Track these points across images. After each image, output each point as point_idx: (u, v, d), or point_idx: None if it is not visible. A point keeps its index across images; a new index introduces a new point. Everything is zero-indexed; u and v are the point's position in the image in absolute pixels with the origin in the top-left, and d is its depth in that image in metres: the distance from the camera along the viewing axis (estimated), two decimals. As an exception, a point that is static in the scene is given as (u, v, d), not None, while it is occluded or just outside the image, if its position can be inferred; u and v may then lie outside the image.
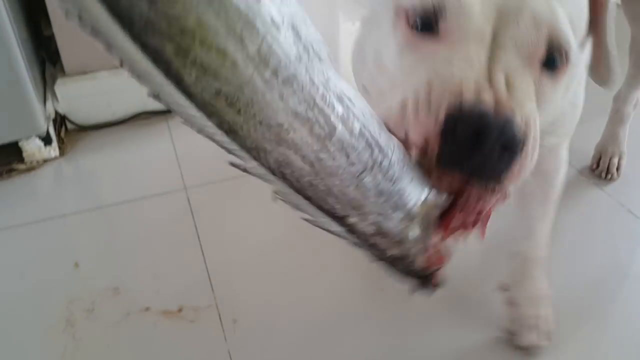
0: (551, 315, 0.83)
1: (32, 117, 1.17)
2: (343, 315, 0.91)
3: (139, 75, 0.33)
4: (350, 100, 0.39)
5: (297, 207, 0.41)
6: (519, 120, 0.44)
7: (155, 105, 1.35)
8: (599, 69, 0.56)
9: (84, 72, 1.29)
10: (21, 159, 1.22)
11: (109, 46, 0.32)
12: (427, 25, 0.47)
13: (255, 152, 0.36)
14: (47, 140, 1.22)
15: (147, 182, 1.19)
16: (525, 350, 0.82)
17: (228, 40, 0.32)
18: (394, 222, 0.43)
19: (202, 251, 1.02)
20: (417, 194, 0.44)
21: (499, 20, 0.46)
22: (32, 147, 1.21)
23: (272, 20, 0.34)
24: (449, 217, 0.47)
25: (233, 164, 0.37)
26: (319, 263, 0.99)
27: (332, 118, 0.38)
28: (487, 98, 0.44)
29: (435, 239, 0.47)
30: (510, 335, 0.83)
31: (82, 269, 1.00)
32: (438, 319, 0.89)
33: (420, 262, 0.47)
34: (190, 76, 0.32)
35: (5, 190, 1.18)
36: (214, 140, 0.36)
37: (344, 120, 0.38)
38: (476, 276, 0.96)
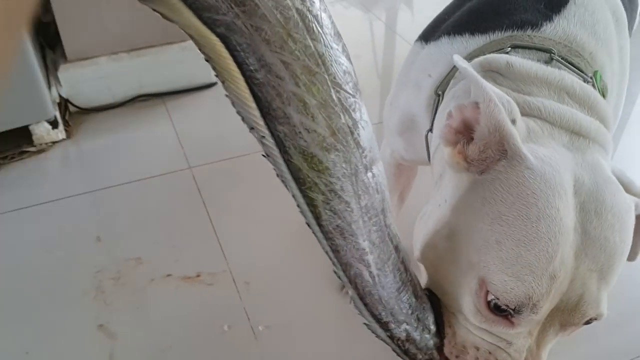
0: None
1: (41, 102, 1.25)
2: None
3: (301, 209, 0.50)
4: (399, 238, 0.56)
5: (360, 312, 0.56)
6: None
7: (151, 89, 1.45)
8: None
9: (85, 58, 1.38)
10: (31, 142, 1.30)
11: (292, 193, 0.50)
12: (502, 310, 0.54)
13: (344, 266, 0.53)
14: (54, 123, 1.31)
15: (152, 162, 1.29)
16: None
17: (353, 198, 0.50)
18: (418, 331, 0.58)
19: (212, 224, 1.15)
20: (430, 311, 0.60)
21: (558, 306, 0.53)
22: (41, 131, 1.29)
23: (376, 189, 0.52)
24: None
25: (334, 271, 0.53)
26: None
27: (391, 247, 0.54)
28: None
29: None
30: None
31: (104, 243, 1.11)
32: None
33: None
34: (325, 215, 0.50)
35: (19, 171, 1.27)
36: (327, 254, 0.52)
37: (397, 250, 0.55)
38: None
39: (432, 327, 0.60)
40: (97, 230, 1.14)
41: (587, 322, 0.56)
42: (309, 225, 0.51)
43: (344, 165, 0.49)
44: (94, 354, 0.93)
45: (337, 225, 0.50)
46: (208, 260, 1.08)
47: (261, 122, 0.46)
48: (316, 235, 0.52)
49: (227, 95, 0.46)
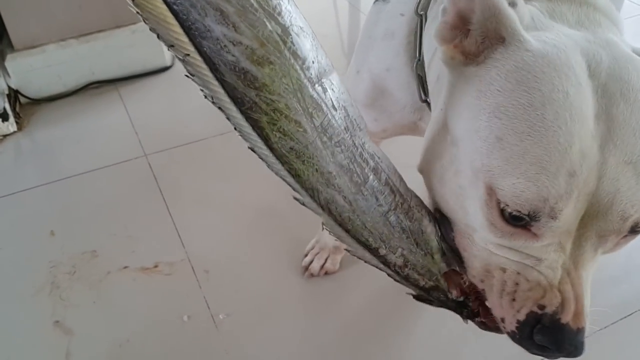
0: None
1: (-12, 95, 1.21)
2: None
3: (242, 134, 0.47)
4: (379, 158, 0.52)
5: (340, 238, 0.52)
6: (587, 325, 0.49)
7: (104, 75, 1.41)
8: None
9: (32, 46, 1.33)
10: (-21, 136, 1.26)
11: (228, 117, 0.46)
12: (518, 219, 0.47)
13: (311, 191, 0.49)
14: (4, 116, 1.26)
15: (107, 151, 1.26)
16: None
17: (303, 116, 0.46)
18: (418, 256, 0.53)
19: (169, 212, 1.12)
20: (434, 233, 0.54)
21: (588, 212, 0.46)
22: (-10, 124, 1.25)
23: (332, 105, 0.48)
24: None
25: (295, 198, 0.49)
26: (277, 214, 1.11)
27: (366, 170, 0.50)
28: (568, 308, 0.48)
29: (455, 276, 0.55)
30: None
31: (58, 237, 1.08)
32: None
33: (453, 292, 0.55)
34: (275, 137, 0.46)
35: (-32, 167, 1.23)
36: (284, 179, 0.49)
37: (375, 172, 0.51)
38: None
39: (436, 251, 0.55)
40: (51, 224, 1.10)
41: (636, 231, 0.48)
42: (253, 150, 0.47)
43: (283, 80, 0.45)
44: (51, 351, 0.91)
45: (291, 148, 0.47)
46: (166, 250, 1.05)
47: (184, 38, 0.43)
48: (266, 160, 0.48)
49: (138, 13, 0.42)
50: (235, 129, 0.46)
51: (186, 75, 0.45)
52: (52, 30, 1.33)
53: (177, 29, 0.43)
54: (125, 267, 1.02)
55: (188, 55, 0.44)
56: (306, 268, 1.01)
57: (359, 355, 0.93)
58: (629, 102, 0.46)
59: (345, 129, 0.49)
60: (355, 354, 0.93)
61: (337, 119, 0.48)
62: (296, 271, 1.02)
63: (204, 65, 0.44)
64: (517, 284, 0.50)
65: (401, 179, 0.54)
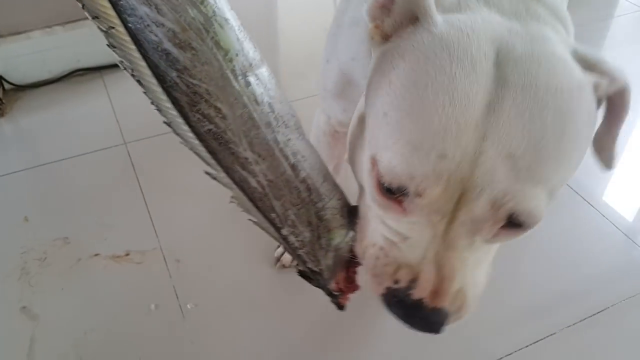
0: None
1: (-31, 80, 1.21)
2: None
3: (161, 109, 0.48)
4: (303, 157, 0.54)
5: (247, 211, 0.54)
6: (448, 307, 0.49)
7: (89, 62, 1.40)
8: (602, 154, 0.54)
9: (18, 32, 1.32)
10: (-39, 121, 1.26)
11: (147, 90, 0.47)
12: (391, 191, 0.48)
13: (225, 169, 0.51)
14: (-14, 101, 1.26)
15: (88, 138, 1.25)
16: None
17: (223, 104, 0.48)
18: (315, 247, 0.57)
19: (145, 201, 1.11)
20: (341, 235, 0.58)
21: (463, 197, 0.46)
22: (-28, 109, 1.25)
23: (255, 99, 0.50)
24: (353, 266, 0.61)
25: (207, 173, 0.50)
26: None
27: (285, 164, 0.53)
28: (422, 285, 0.49)
29: (341, 274, 0.61)
30: None
31: (32, 223, 1.07)
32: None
33: (330, 284, 0.61)
34: (194, 117, 0.48)
35: (-51, 151, 1.22)
36: (199, 155, 0.50)
37: (293, 169, 0.53)
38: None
39: (333, 250, 0.58)
40: (26, 210, 1.10)
41: (517, 225, 0.48)
42: (168, 125, 0.49)
43: (205, 67, 0.47)
44: (15, 336, 0.90)
45: (209, 130, 0.49)
46: (139, 238, 1.04)
47: (111, 12, 0.45)
48: (182, 136, 0.49)
49: None
50: (152, 103, 0.47)
51: (107, 45, 0.45)
52: (38, 16, 1.32)
53: (105, 2, 0.44)
54: (96, 255, 1.01)
55: (113, 28, 0.45)
56: (278, 259, 1.00)
57: (328, 350, 0.91)
58: (526, 98, 0.45)
59: (267, 124, 0.51)
60: (324, 347, 0.91)
61: (258, 112, 0.50)
62: (268, 262, 1.01)
63: (127, 38, 0.45)
64: (378, 258, 0.52)
65: (326, 180, 0.57)
